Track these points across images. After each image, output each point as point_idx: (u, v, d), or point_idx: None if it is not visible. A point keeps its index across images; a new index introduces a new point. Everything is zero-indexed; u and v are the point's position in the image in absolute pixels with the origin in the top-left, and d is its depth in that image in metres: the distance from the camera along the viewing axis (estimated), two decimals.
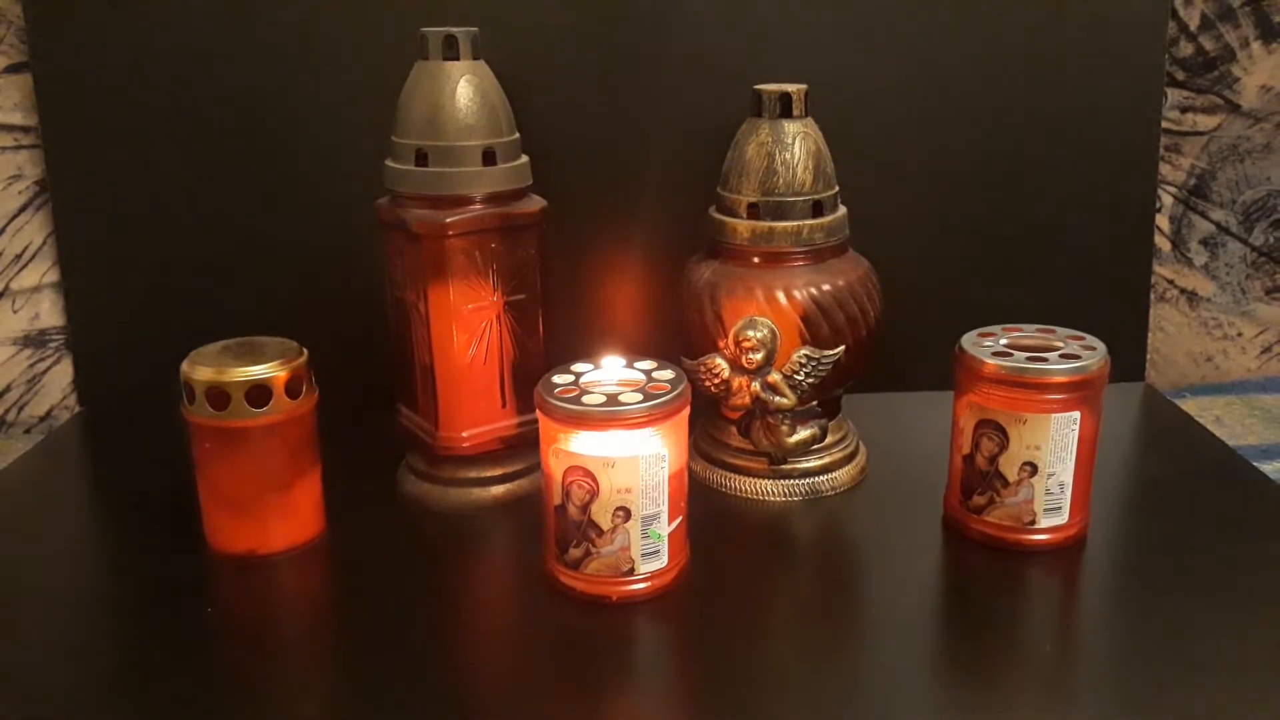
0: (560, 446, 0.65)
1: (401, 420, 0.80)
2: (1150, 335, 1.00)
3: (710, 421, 0.83)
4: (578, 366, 0.69)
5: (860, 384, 0.82)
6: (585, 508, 0.65)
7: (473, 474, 0.78)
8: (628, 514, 0.65)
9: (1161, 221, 1.00)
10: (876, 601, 0.68)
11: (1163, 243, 1.01)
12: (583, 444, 0.64)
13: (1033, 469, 0.69)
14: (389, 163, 0.74)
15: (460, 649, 0.65)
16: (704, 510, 0.75)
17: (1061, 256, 0.96)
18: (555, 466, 0.65)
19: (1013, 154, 0.94)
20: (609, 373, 0.68)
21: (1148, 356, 1.00)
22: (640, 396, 0.65)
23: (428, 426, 0.77)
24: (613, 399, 0.64)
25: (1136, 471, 0.84)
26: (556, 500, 0.66)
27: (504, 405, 0.77)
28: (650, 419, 0.64)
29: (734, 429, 0.80)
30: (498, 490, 0.79)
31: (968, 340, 0.72)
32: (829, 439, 0.80)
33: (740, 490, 0.79)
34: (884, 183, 0.91)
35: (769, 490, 0.79)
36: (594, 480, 0.64)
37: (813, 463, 0.79)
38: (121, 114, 0.89)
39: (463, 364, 0.75)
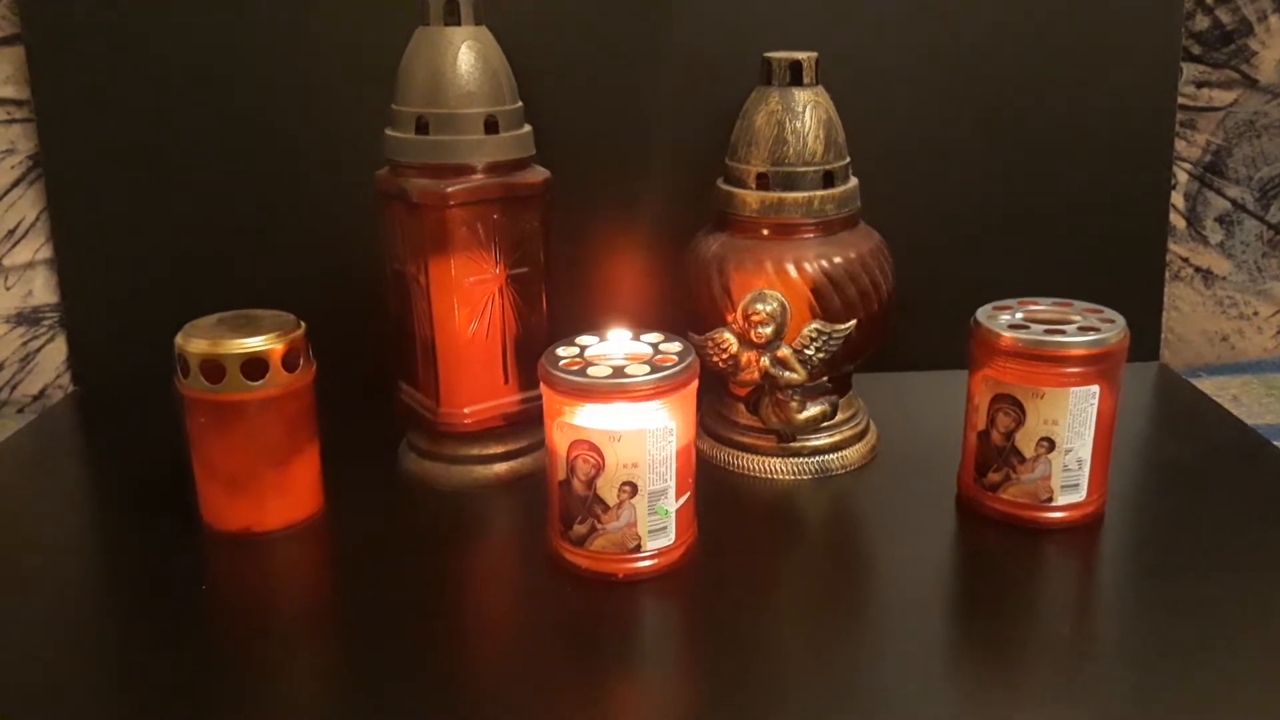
0: (565, 420, 0.63)
1: (402, 397, 0.78)
2: (1165, 315, 0.98)
3: (718, 398, 0.81)
4: (582, 339, 0.67)
5: (870, 363, 0.80)
6: (590, 483, 0.63)
7: (475, 451, 0.76)
8: (634, 489, 0.63)
9: (1176, 199, 0.98)
10: (888, 581, 0.66)
11: (1177, 220, 0.99)
12: (588, 417, 0.62)
13: (1050, 444, 0.67)
14: (389, 132, 0.72)
15: (462, 628, 0.63)
16: (711, 489, 0.73)
17: (1075, 234, 0.94)
18: (560, 441, 0.63)
19: (1026, 129, 0.92)
20: (614, 345, 0.66)
21: (1162, 336, 0.98)
22: (647, 369, 0.63)
23: (429, 403, 0.75)
24: (619, 371, 0.63)
25: (1154, 450, 0.82)
26: (561, 475, 0.64)
27: (506, 381, 0.76)
28: (657, 391, 0.62)
29: (742, 406, 0.78)
30: (500, 468, 0.77)
31: (983, 313, 0.70)
32: (839, 416, 0.78)
33: (748, 469, 0.77)
34: (894, 157, 0.89)
35: (778, 468, 0.77)
36: (599, 455, 0.62)
37: (823, 440, 0.77)
38: (116, 87, 0.87)
39: (464, 339, 0.73)
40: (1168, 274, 0.98)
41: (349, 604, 0.65)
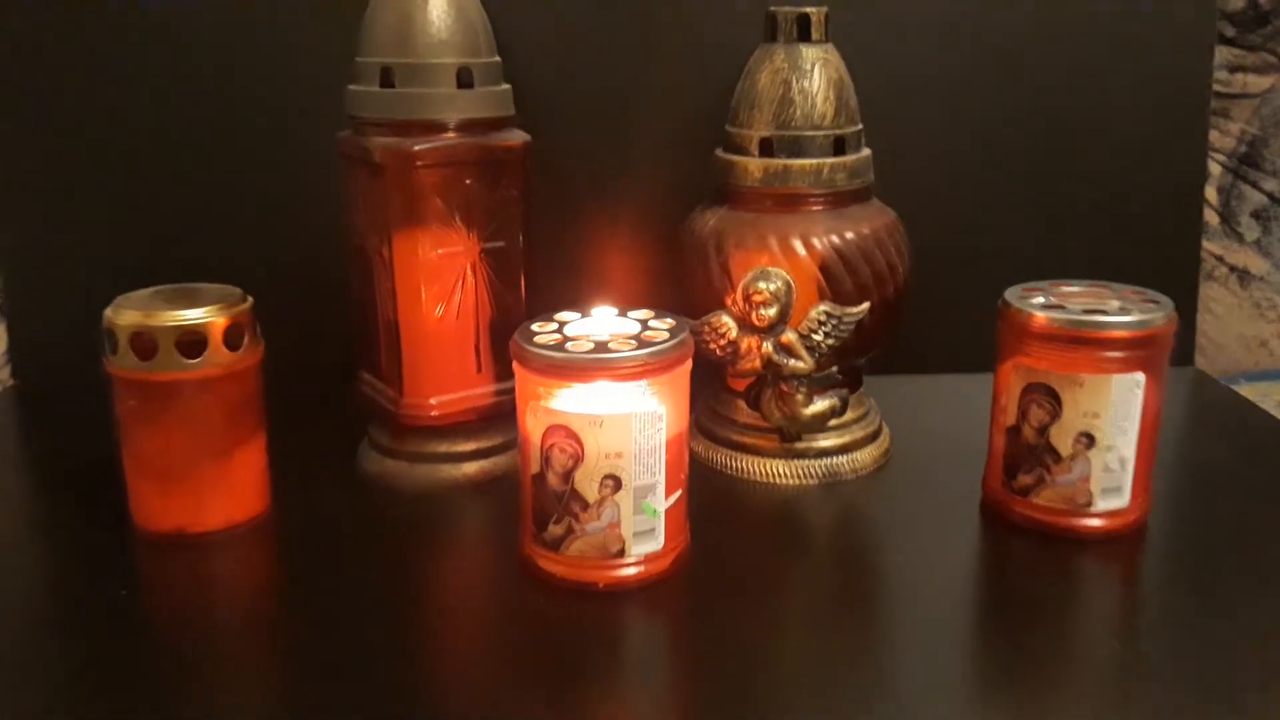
0: (539, 404, 0.55)
1: (363, 388, 0.71)
2: (1198, 318, 0.91)
3: (714, 395, 0.73)
4: (563, 315, 0.60)
5: (878, 364, 0.73)
6: (568, 476, 0.55)
7: (442, 448, 0.69)
8: (618, 484, 0.55)
9: (1209, 193, 0.91)
10: (905, 596, 0.58)
11: (1211, 216, 0.92)
12: (565, 399, 0.54)
13: (1089, 441, 0.59)
14: (351, 87, 0.65)
15: (421, 647, 0.54)
16: (706, 494, 0.66)
17: (1102, 228, 0.87)
18: (533, 427, 0.56)
19: (1050, 115, 0.85)
20: (599, 324, 0.59)
21: (1196, 342, 0.91)
22: (634, 344, 0.55)
23: (391, 393, 0.68)
24: (601, 347, 0.55)
25: (1197, 456, 0.74)
26: (534, 468, 0.56)
27: (479, 370, 0.68)
28: (646, 369, 0.54)
29: (741, 402, 0.70)
30: (470, 468, 0.69)
31: (1012, 294, 0.62)
32: (849, 415, 0.70)
33: (748, 471, 0.69)
34: (909, 133, 0.82)
35: (781, 471, 0.69)
36: (578, 443, 0.54)
37: (831, 441, 0.69)
38: (50, 50, 0.79)
39: (432, 321, 0.65)
40: (1200, 273, 0.91)
41: (295, 618, 0.56)
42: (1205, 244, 0.91)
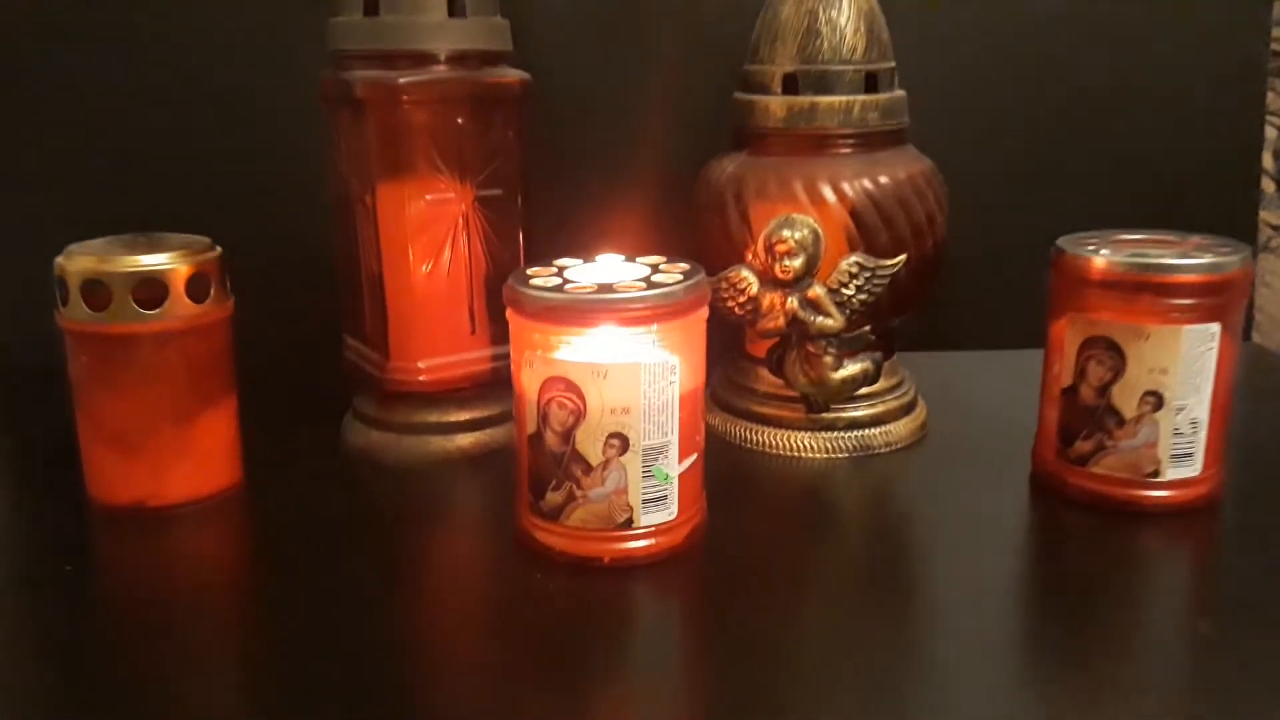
0: (536, 353, 0.49)
1: (347, 354, 0.64)
2: (1254, 290, 0.84)
3: (731, 364, 0.67)
4: (563, 261, 0.53)
5: (908, 338, 0.66)
6: (568, 435, 0.49)
7: (433, 419, 0.62)
8: (625, 444, 0.48)
9: (1266, 160, 0.84)
10: (947, 579, 0.51)
11: (1267, 184, 0.85)
12: (566, 348, 0.48)
13: (1157, 401, 0.53)
14: (333, 19, 0.59)
15: (406, 633, 0.47)
16: (724, 470, 0.59)
17: (1152, 199, 0.80)
18: (529, 381, 0.49)
19: (1095, 75, 0.78)
20: (604, 270, 0.52)
21: (1253, 316, 0.84)
22: (643, 285, 0.49)
23: (376, 357, 0.61)
24: (606, 288, 0.48)
25: (1260, 431, 0.67)
26: (531, 427, 0.50)
27: (473, 331, 0.62)
28: (656, 313, 0.48)
29: (762, 369, 0.63)
30: (464, 440, 0.62)
31: (1066, 241, 0.56)
32: (880, 383, 0.63)
33: (770, 445, 0.63)
34: (945, 81, 0.76)
35: (807, 445, 0.62)
36: (580, 396, 0.48)
37: (862, 412, 0.63)
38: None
39: (420, 276, 0.59)
40: (1257, 244, 0.84)
41: (269, 601, 0.50)
42: (1263, 214, 0.85)
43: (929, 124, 0.65)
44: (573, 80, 0.72)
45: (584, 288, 0.48)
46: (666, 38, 0.73)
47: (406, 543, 0.56)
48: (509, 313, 0.50)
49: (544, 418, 0.49)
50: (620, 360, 0.48)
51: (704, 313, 0.50)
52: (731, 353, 0.67)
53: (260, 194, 0.74)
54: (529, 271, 0.52)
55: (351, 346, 0.64)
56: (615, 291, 0.48)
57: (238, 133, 0.74)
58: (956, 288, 0.75)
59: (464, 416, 0.63)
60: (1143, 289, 0.52)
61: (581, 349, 0.48)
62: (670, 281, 0.49)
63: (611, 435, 0.48)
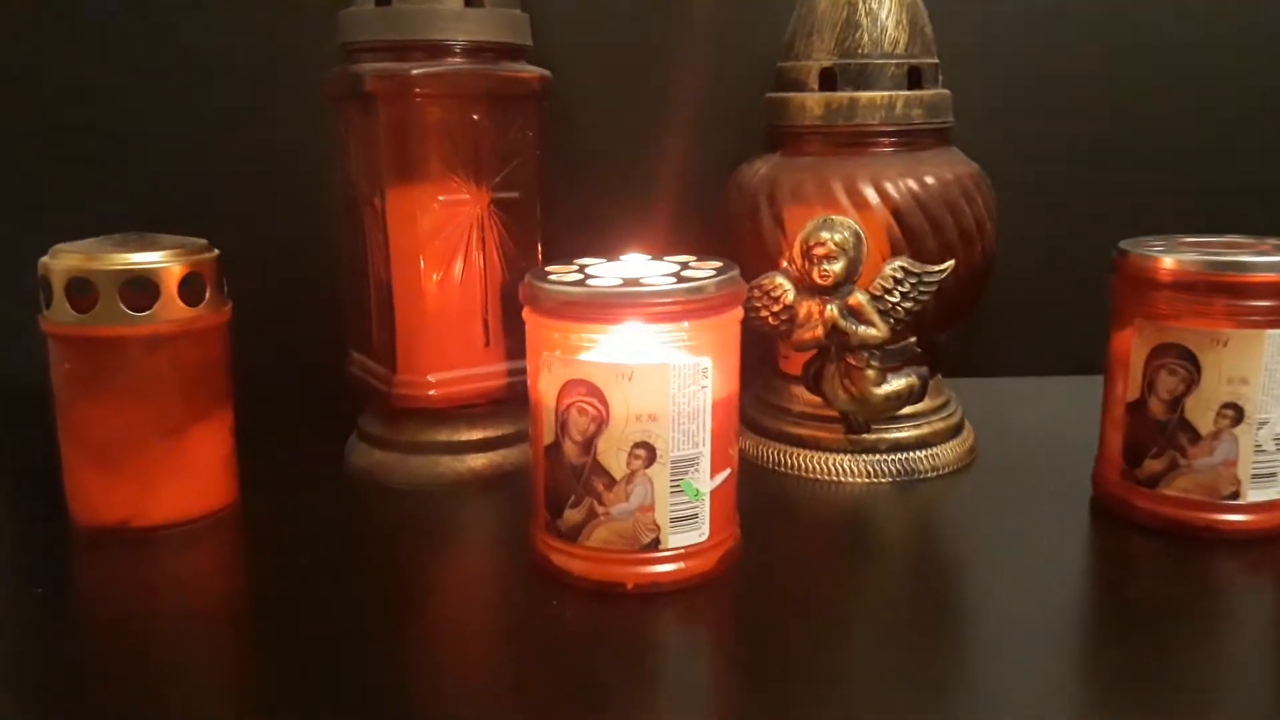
0: (554, 354, 0.44)
1: (352, 369, 0.60)
2: None
3: (763, 383, 0.63)
4: (585, 260, 0.49)
5: (950, 363, 0.62)
6: (589, 444, 0.44)
7: (442, 437, 0.58)
8: (652, 454, 0.44)
9: None
10: (1002, 611, 0.46)
11: None
12: (587, 348, 0.44)
13: (1237, 414, 0.48)
14: (343, 11, 0.56)
15: (412, 665, 0.42)
16: (759, 495, 0.55)
17: (1212, 195, 0.75)
18: (548, 386, 0.45)
19: (1163, 63, 0.73)
20: (629, 269, 0.48)
21: None
22: (672, 280, 0.45)
23: (382, 371, 0.57)
24: (632, 283, 0.44)
25: None
26: (548, 438, 0.45)
27: (487, 343, 0.58)
28: (687, 309, 0.43)
29: (796, 388, 0.59)
30: (476, 461, 0.58)
31: (1130, 243, 0.51)
32: (925, 403, 0.59)
33: (807, 469, 0.58)
34: (991, 80, 0.72)
35: (847, 469, 0.58)
36: (602, 401, 0.44)
37: (906, 433, 0.58)
38: None
39: (431, 283, 0.56)
40: None
41: (263, 632, 0.45)
42: None
43: (972, 129, 0.62)
44: (594, 79, 0.69)
45: (608, 280, 0.44)
46: (693, 35, 0.70)
47: (412, 570, 0.51)
48: (525, 311, 0.46)
49: (563, 426, 0.45)
50: (647, 361, 0.43)
51: (738, 313, 0.46)
52: (763, 370, 0.62)
53: (263, 198, 0.70)
54: (548, 269, 0.47)
55: (356, 360, 0.60)
56: (642, 286, 0.44)
57: (241, 135, 0.72)
58: (999, 309, 0.70)
59: (476, 435, 0.58)
60: (1218, 290, 0.47)
61: (605, 348, 0.44)
62: (700, 277, 0.45)
63: (637, 445, 0.44)
